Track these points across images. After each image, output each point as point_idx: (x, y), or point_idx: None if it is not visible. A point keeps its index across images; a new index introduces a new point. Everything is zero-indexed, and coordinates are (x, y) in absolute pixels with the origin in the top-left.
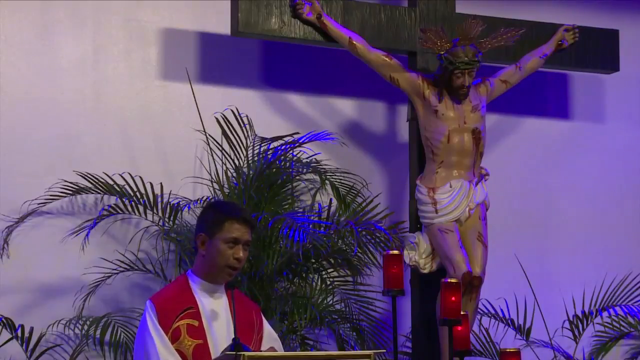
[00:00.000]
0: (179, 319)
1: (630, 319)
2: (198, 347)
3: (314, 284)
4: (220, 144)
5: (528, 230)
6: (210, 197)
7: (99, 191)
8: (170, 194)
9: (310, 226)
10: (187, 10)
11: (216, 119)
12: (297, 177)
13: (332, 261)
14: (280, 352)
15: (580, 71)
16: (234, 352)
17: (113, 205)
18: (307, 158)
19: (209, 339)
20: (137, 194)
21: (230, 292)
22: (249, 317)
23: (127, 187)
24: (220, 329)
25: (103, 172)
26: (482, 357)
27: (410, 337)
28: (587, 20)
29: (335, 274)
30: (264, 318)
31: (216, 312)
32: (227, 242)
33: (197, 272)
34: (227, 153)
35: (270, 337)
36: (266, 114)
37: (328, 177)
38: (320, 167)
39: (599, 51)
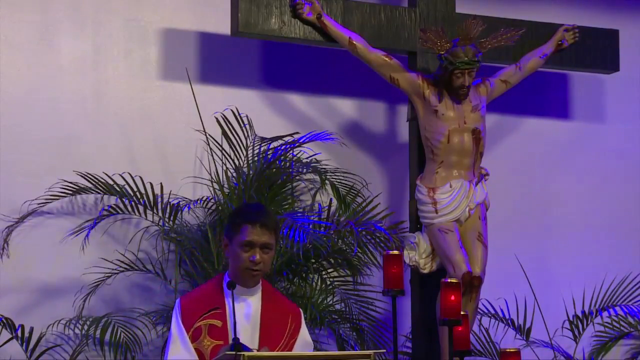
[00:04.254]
0: (202, 319)
1: (630, 319)
2: (217, 348)
3: (314, 284)
4: (220, 144)
5: (528, 230)
6: (210, 197)
7: (99, 191)
8: (170, 194)
9: (310, 226)
10: (187, 10)
11: (216, 119)
12: (297, 177)
13: (332, 261)
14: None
15: (580, 71)
16: (234, 352)
17: (113, 205)
18: (307, 158)
19: (231, 340)
20: (137, 194)
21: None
22: (281, 322)
23: (127, 187)
24: (244, 331)
25: (103, 172)
26: (482, 357)
27: (410, 337)
28: (587, 20)
29: (335, 274)
30: (303, 323)
31: (243, 315)
32: (242, 246)
33: (229, 274)
34: (227, 153)
35: (302, 343)
36: (266, 114)
37: (328, 177)
38: (320, 167)
39: (599, 51)
